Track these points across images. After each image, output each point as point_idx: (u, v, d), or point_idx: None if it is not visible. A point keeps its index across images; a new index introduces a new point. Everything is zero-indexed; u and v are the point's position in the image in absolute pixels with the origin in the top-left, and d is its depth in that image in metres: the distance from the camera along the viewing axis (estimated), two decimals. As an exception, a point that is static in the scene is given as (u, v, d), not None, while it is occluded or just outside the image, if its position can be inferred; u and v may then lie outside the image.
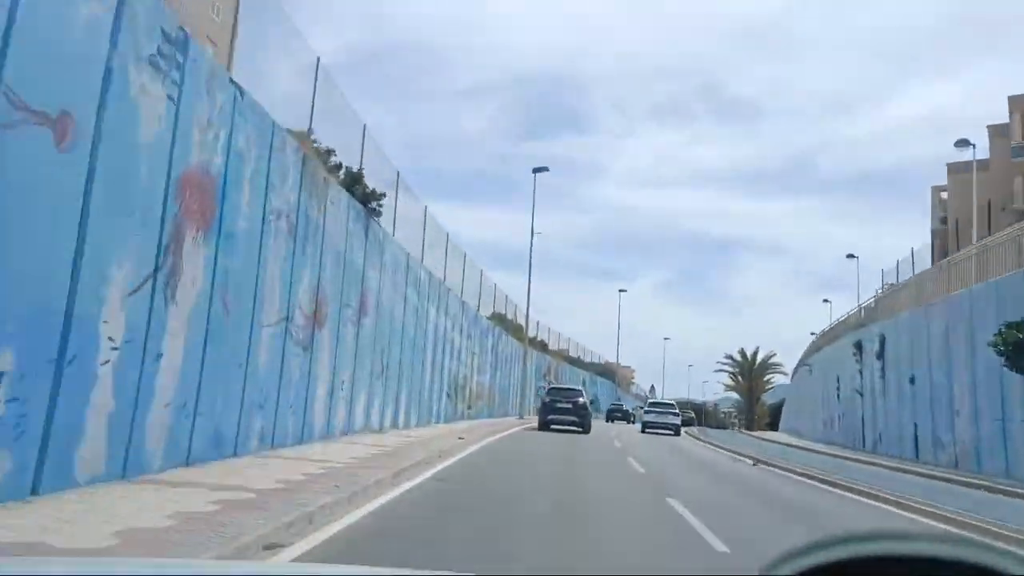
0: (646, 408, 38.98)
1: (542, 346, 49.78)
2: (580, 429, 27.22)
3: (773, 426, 69.87)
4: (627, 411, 55.23)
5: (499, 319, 39.56)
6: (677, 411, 37.64)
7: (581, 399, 27.83)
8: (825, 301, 56.09)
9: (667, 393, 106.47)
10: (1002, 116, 38.26)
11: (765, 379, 52.23)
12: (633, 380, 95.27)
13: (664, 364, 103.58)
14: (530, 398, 43.71)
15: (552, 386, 34.58)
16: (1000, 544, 0.87)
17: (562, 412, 27.21)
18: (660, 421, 35.06)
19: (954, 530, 8.90)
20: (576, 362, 59.60)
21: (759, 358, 51.18)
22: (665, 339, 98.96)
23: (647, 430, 34.77)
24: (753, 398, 50.86)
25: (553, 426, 27.01)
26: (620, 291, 72.66)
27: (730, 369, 51.54)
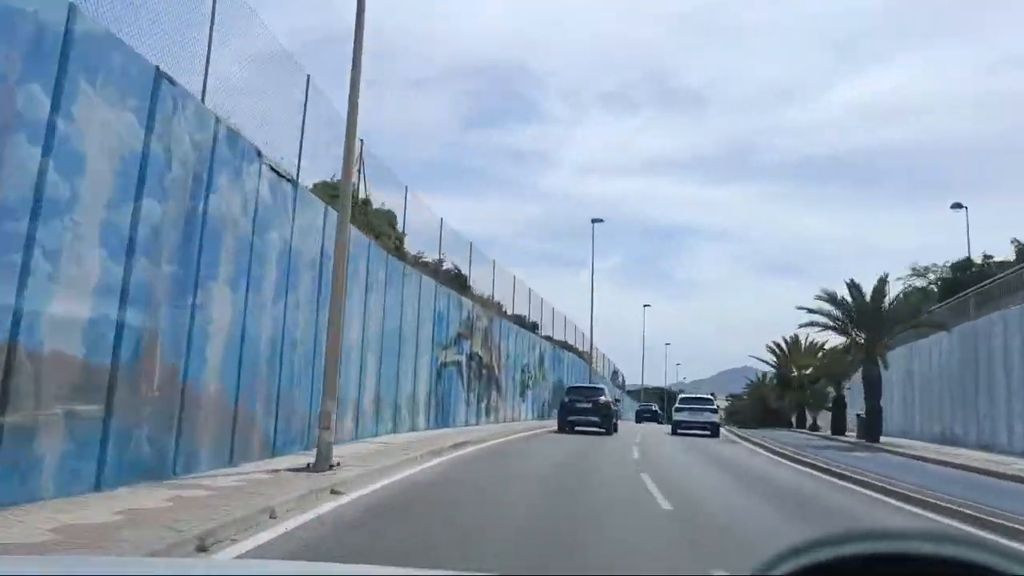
0: (676, 405, 31.95)
1: (456, 282, 23.98)
2: (603, 430, 24.55)
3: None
4: (655, 411, 55.00)
5: (329, 193, 14.21)
6: (715, 407, 31.67)
7: (603, 398, 25.85)
8: (956, 206, 31.45)
9: (634, 378, 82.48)
10: None
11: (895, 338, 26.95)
12: (596, 366, 70.73)
13: (644, 335, 79.39)
14: (399, 394, 18.09)
15: (571, 385, 30.89)
16: (997, 543, 0.85)
17: (583, 412, 24.86)
18: (694, 420, 29.28)
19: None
20: (526, 325, 33.96)
21: (889, 296, 25.62)
22: (645, 306, 74.88)
23: (680, 431, 28.71)
24: (874, 370, 25.36)
25: (577, 428, 24.36)
26: (594, 221, 47.77)
27: (826, 320, 26.40)
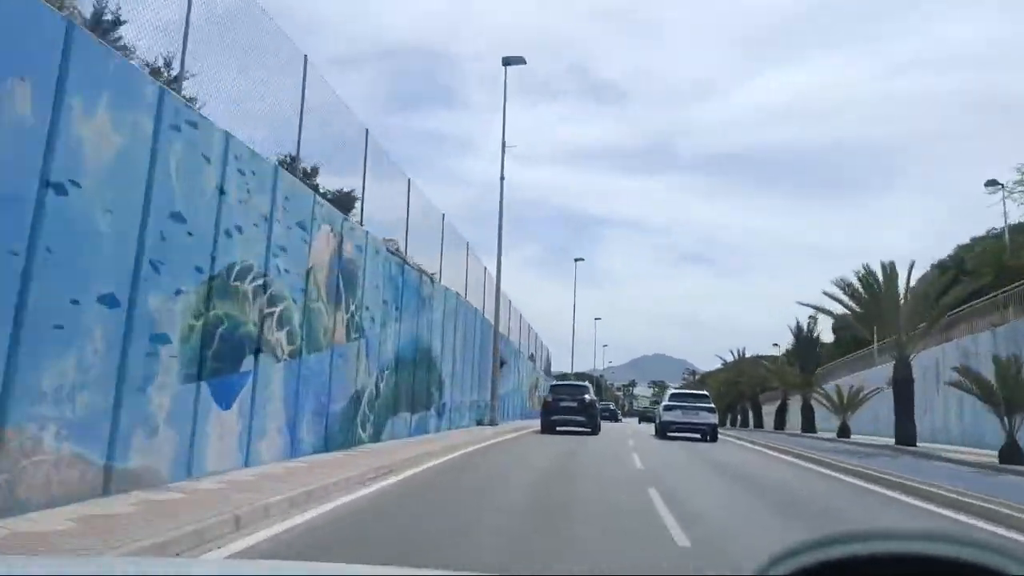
0: (666, 402, 26.61)
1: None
2: (588, 430, 24.48)
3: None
4: (613, 410, 52.60)
5: None
6: (711, 405, 25.91)
7: (588, 396, 25.17)
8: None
9: (559, 365, 64.21)
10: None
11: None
12: (506, 329, 50.57)
13: (575, 288, 60.58)
14: None
15: (555, 383, 30.23)
16: (998, 542, 0.75)
17: (568, 412, 24.50)
18: (688, 421, 24.94)
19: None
20: (312, 184, 12.07)
21: None
22: (577, 260, 57.27)
23: (670, 433, 25.00)
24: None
25: (559, 428, 24.23)
26: (507, 63, 26.92)
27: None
